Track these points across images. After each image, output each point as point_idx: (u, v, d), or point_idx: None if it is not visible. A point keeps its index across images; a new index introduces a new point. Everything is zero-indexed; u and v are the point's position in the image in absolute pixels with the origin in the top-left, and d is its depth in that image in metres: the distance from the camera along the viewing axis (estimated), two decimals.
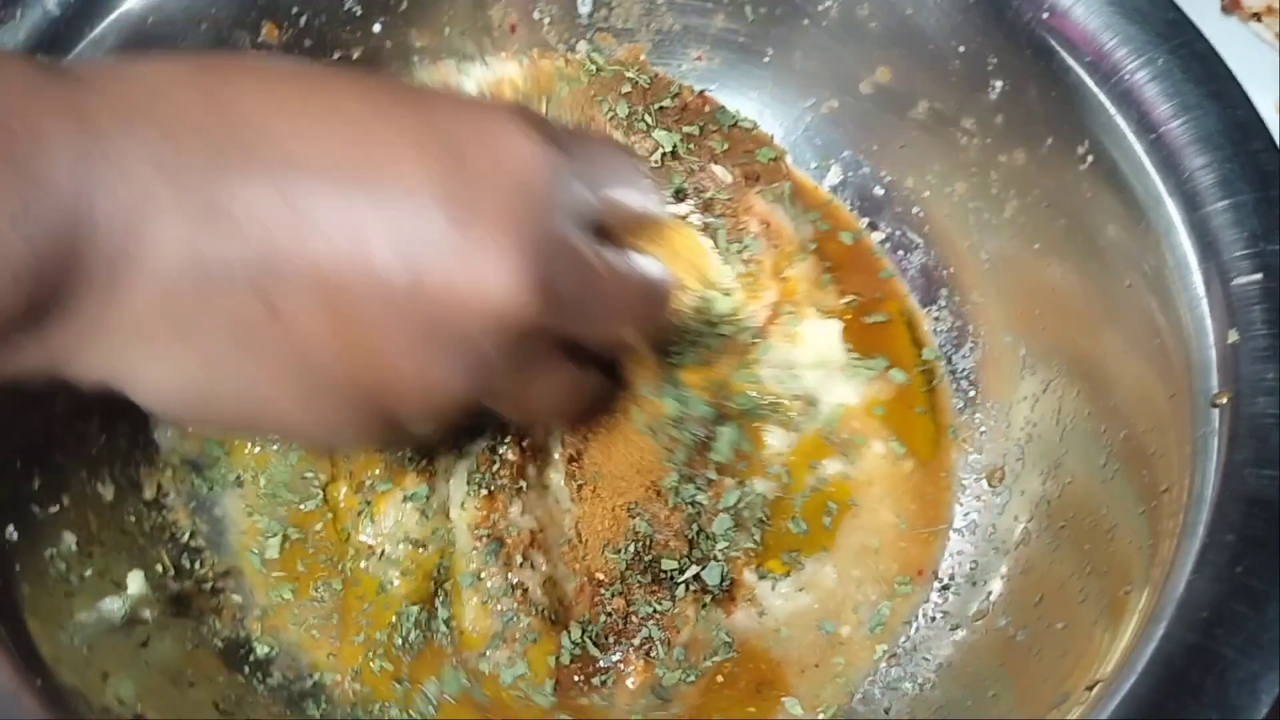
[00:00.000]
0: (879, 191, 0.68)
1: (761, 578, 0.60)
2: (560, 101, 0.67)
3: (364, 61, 0.66)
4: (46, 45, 0.54)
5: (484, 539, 0.57)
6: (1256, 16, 0.76)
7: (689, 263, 0.59)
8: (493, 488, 0.57)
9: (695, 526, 0.57)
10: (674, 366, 0.57)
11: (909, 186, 0.67)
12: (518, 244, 0.39)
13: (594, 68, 0.68)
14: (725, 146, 0.68)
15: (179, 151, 0.36)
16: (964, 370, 0.65)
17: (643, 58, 0.70)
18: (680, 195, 0.66)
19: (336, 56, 0.65)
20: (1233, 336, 0.49)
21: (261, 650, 0.58)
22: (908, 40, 0.63)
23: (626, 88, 0.67)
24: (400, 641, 0.58)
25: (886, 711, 0.56)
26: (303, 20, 0.63)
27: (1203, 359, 0.50)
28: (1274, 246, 0.49)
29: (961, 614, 0.58)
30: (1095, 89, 0.55)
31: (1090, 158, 0.56)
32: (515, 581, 0.57)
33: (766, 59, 0.68)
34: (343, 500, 0.61)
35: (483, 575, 0.58)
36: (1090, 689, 0.45)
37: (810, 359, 0.63)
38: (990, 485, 0.61)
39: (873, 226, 0.68)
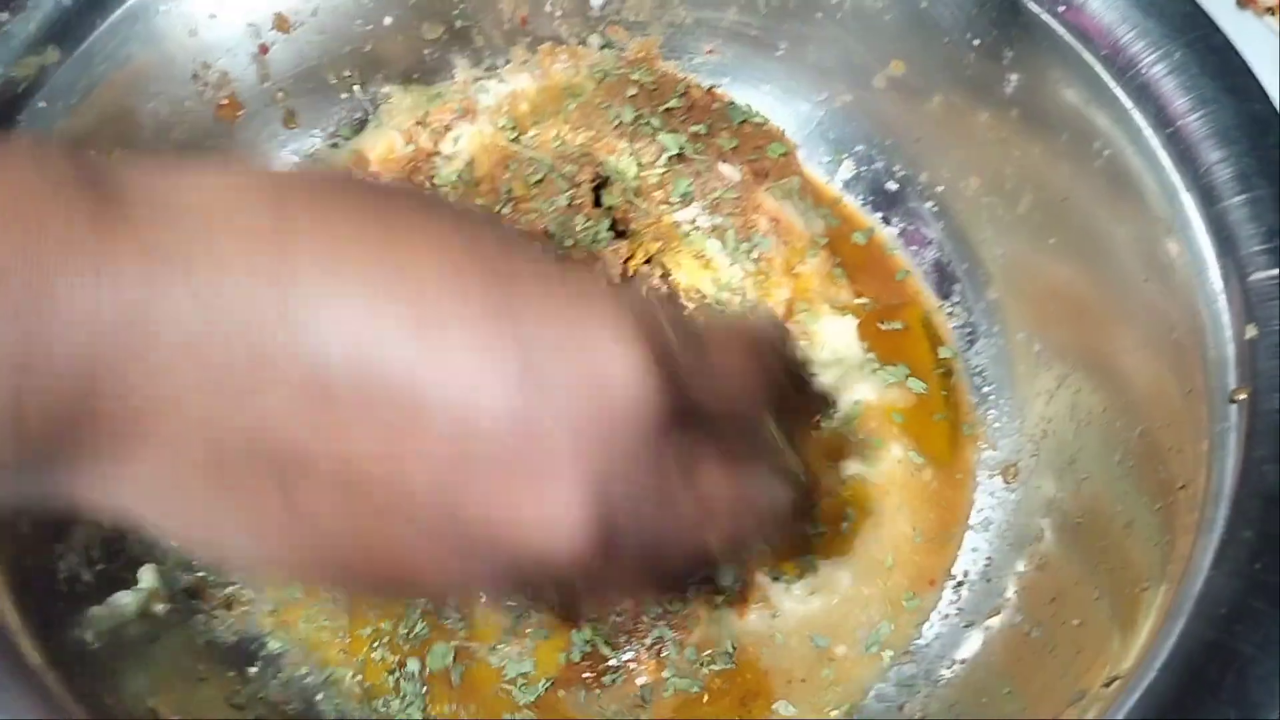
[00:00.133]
0: (892, 186, 0.68)
1: (775, 579, 0.59)
2: (569, 116, 0.67)
3: (374, 55, 0.66)
4: (58, 36, 0.54)
5: None
6: (1271, 10, 0.76)
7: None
8: None
9: None
10: None
11: (923, 181, 0.66)
12: (583, 491, 0.33)
13: (601, 73, 0.68)
14: (734, 144, 0.68)
15: (219, 316, 0.31)
16: (978, 366, 0.64)
17: (655, 51, 0.69)
18: (687, 199, 0.66)
19: (347, 49, 0.65)
20: (1251, 332, 0.48)
21: (273, 646, 0.57)
22: (922, 33, 0.62)
23: (632, 91, 0.67)
24: (406, 632, 0.57)
25: (900, 709, 0.56)
26: (312, 10, 0.63)
27: (1220, 354, 0.49)
28: None
29: (976, 611, 0.58)
30: (1111, 83, 0.55)
31: (1106, 152, 0.55)
32: None
33: (779, 52, 0.68)
34: None
35: None
36: (1108, 685, 0.44)
37: (826, 356, 0.63)
38: (1005, 482, 0.61)
39: (885, 222, 0.68)
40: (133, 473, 0.32)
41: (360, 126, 0.67)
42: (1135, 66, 0.54)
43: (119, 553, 0.54)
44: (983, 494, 0.62)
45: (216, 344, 0.31)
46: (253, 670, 0.56)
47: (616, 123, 0.66)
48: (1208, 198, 0.51)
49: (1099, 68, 0.55)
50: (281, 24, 0.62)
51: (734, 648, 0.58)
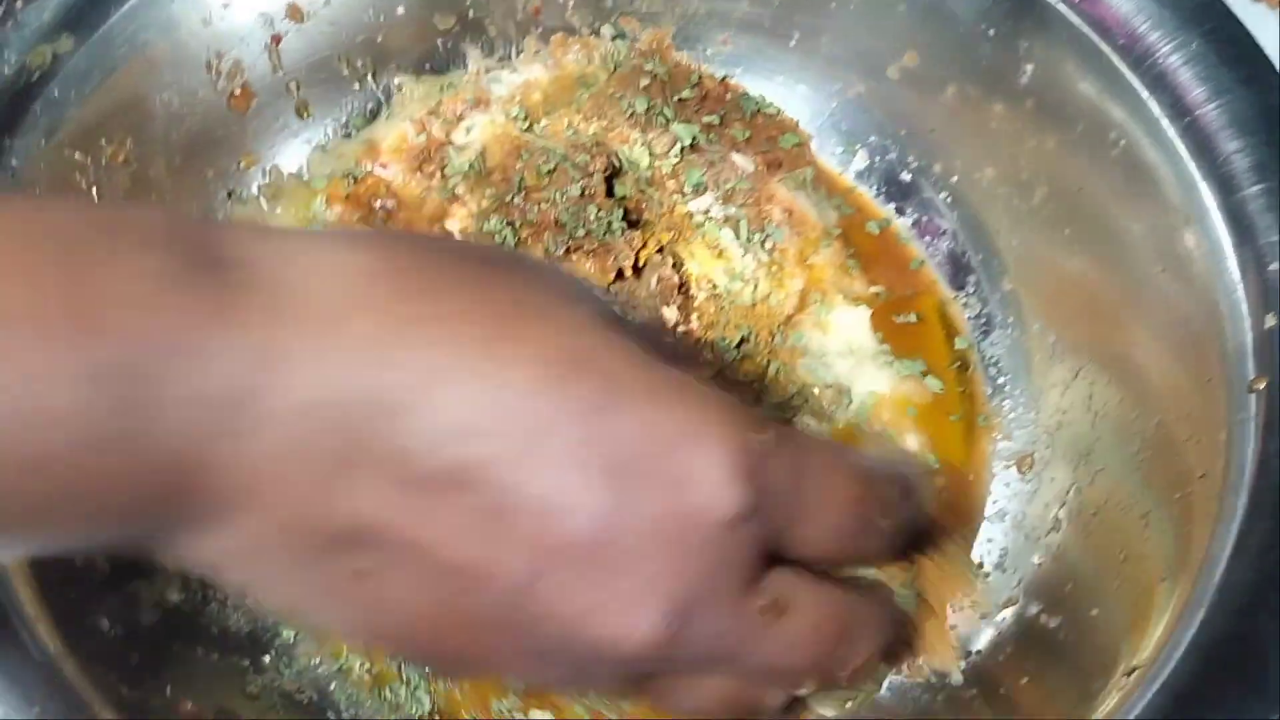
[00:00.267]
0: (906, 177, 0.68)
1: None
2: (582, 105, 0.67)
3: (387, 45, 0.66)
4: (72, 24, 0.54)
5: None
6: None
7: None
8: None
9: None
10: None
11: (937, 172, 0.66)
12: (657, 598, 0.34)
13: (613, 64, 0.68)
14: (747, 135, 0.68)
15: (324, 398, 0.32)
16: (992, 357, 0.64)
17: (668, 42, 0.69)
18: (699, 189, 0.65)
19: (359, 39, 0.65)
20: (1270, 321, 0.48)
21: (286, 635, 0.57)
22: (936, 24, 0.62)
23: (645, 81, 0.67)
24: None
25: (916, 701, 0.56)
26: (325, 0, 0.63)
27: (1238, 344, 0.49)
28: None
29: (991, 602, 0.58)
30: (1128, 73, 0.54)
31: (1123, 142, 0.55)
32: None
33: (792, 43, 0.67)
34: None
35: None
36: (1128, 675, 0.44)
37: (840, 346, 0.63)
38: (1020, 472, 0.61)
39: (899, 213, 0.68)
40: (223, 542, 0.33)
41: (373, 117, 0.67)
42: (1152, 56, 0.54)
43: None
44: (998, 485, 0.61)
45: (320, 426, 0.32)
46: (266, 659, 0.56)
47: (629, 113, 0.66)
48: (1225, 187, 0.51)
49: (1115, 57, 0.55)
50: (294, 14, 0.62)
51: None
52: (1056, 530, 0.57)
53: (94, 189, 0.57)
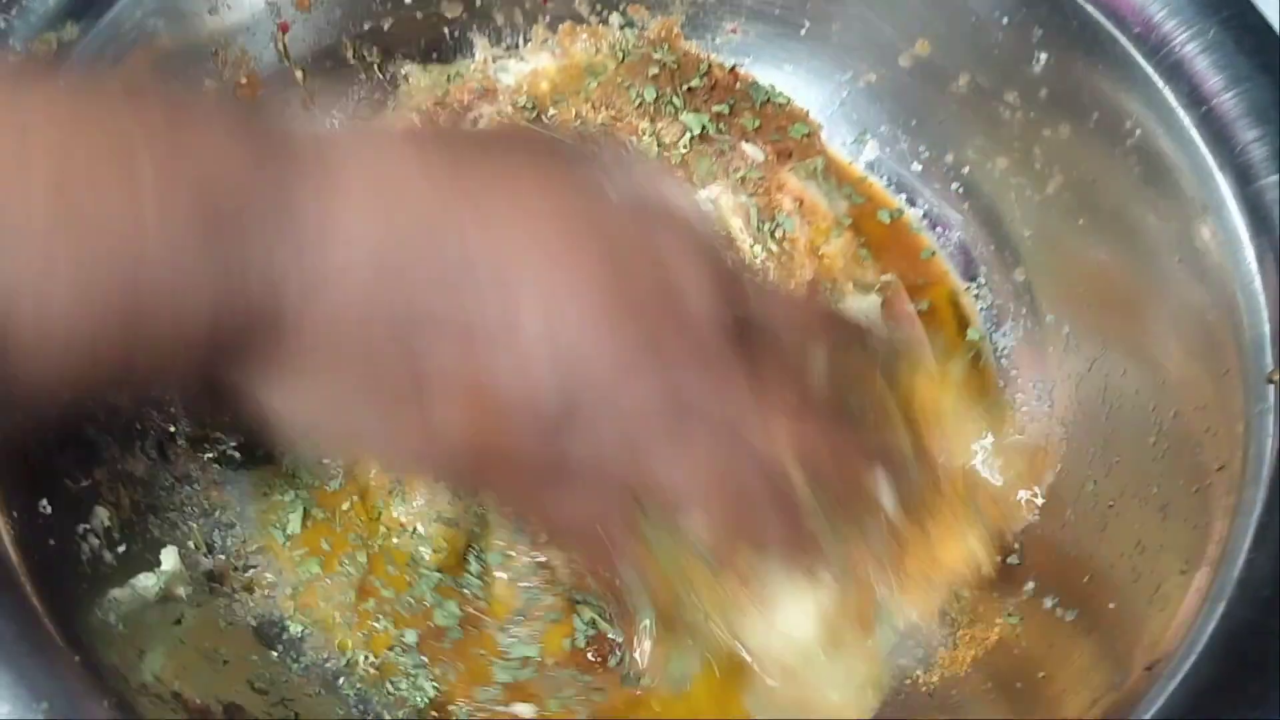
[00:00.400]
0: (917, 167, 0.67)
1: None
2: (590, 95, 0.66)
3: (394, 34, 0.65)
4: (77, 11, 0.54)
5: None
6: None
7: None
8: None
9: None
10: None
11: (948, 162, 0.66)
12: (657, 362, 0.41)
13: (621, 54, 0.67)
14: (757, 124, 0.67)
15: (387, 233, 0.39)
16: (1005, 349, 0.64)
17: (676, 30, 0.69)
18: (709, 179, 0.65)
19: (366, 27, 0.65)
20: None
21: (295, 629, 0.57)
22: (949, 12, 0.62)
23: (654, 70, 0.66)
24: (411, 602, 0.57)
25: (930, 695, 0.55)
26: None
27: (1256, 335, 0.49)
28: None
29: (1008, 595, 0.57)
30: (1143, 62, 0.54)
31: (1138, 131, 0.55)
32: (542, 560, 0.58)
33: (803, 31, 0.67)
34: (373, 478, 0.60)
35: (511, 554, 0.58)
36: (1149, 668, 0.44)
37: None
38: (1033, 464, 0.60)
39: (910, 202, 0.68)
40: (295, 369, 0.39)
41: (379, 106, 0.67)
42: (1168, 44, 0.53)
43: (140, 535, 0.54)
44: None
45: (384, 256, 0.38)
46: (274, 654, 0.56)
47: (638, 102, 0.66)
48: (1242, 177, 0.51)
49: (1130, 46, 0.54)
50: (301, 2, 0.62)
51: None
52: (1072, 524, 0.57)
53: None
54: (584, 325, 0.40)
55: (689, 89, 0.67)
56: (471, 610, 0.58)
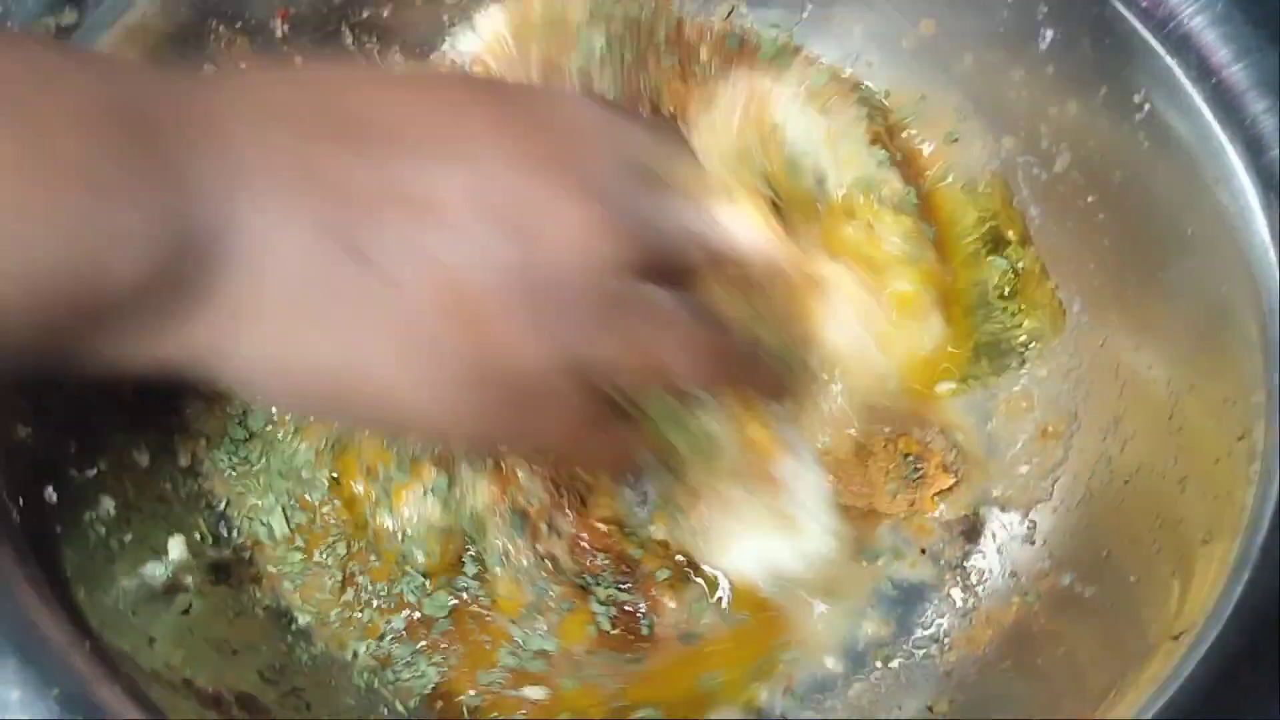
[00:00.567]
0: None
1: None
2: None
3: (392, 21, 0.65)
4: None
5: (505, 515, 0.56)
6: None
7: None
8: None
9: None
10: None
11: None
12: (593, 191, 0.43)
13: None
14: None
15: (301, 142, 0.40)
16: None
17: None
18: None
19: (365, 15, 0.64)
20: None
21: (303, 620, 0.56)
22: None
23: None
24: (392, 594, 0.57)
25: (948, 675, 0.55)
26: None
27: (1270, 305, 0.49)
28: None
29: (1023, 574, 0.57)
30: (1150, 36, 0.54)
31: (1146, 106, 0.54)
32: (544, 553, 0.57)
33: (805, 14, 0.66)
34: (359, 489, 0.59)
35: (511, 554, 0.57)
36: (1175, 639, 0.44)
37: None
38: (1045, 441, 0.60)
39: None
40: (255, 302, 0.38)
41: None
42: (1176, 18, 0.53)
43: (146, 525, 0.53)
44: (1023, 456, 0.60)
45: (308, 159, 0.39)
46: (282, 645, 0.55)
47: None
48: (1253, 148, 0.51)
49: (1136, 21, 0.54)
50: None
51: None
52: (1087, 501, 0.56)
53: None
54: (511, 184, 0.42)
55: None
56: (476, 609, 0.57)
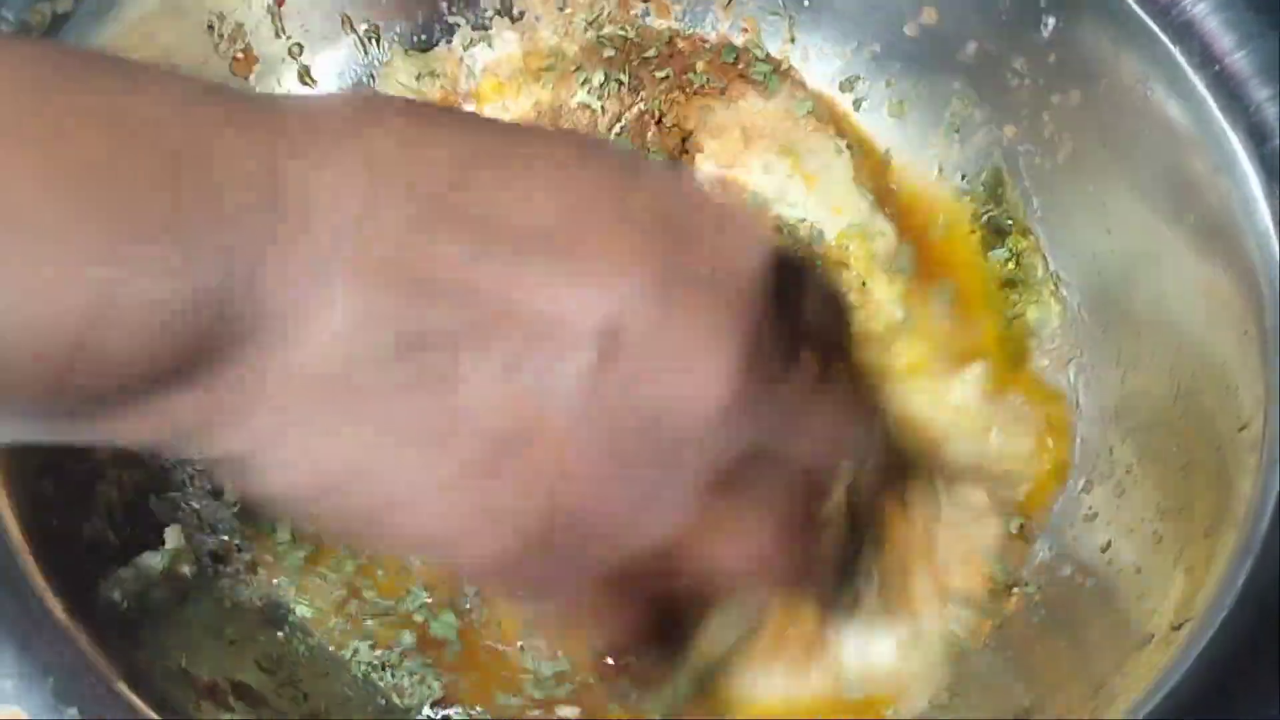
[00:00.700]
0: None
1: None
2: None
3: (389, 12, 0.65)
4: None
5: None
6: None
7: None
8: None
9: None
10: None
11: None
12: (733, 343, 0.34)
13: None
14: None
15: (368, 208, 0.31)
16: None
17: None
18: None
19: (362, 6, 0.64)
20: None
21: (301, 611, 0.56)
22: None
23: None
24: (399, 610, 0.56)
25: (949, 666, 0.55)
26: None
27: (1273, 294, 0.48)
28: None
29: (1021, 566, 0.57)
30: (1152, 23, 0.53)
31: (1149, 94, 0.54)
32: None
33: (807, 2, 0.66)
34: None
35: None
36: (1177, 629, 0.43)
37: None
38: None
39: None
40: (280, 381, 0.31)
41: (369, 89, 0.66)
42: (1177, 5, 0.53)
43: (143, 515, 0.53)
44: None
45: (375, 228, 0.31)
46: (280, 635, 0.55)
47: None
48: (1256, 136, 0.50)
49: (1139, 8, 0.54)
50: None
51: None
52: (1087, 491, 0.56)
53: None
54: (649, 316, 0.32)
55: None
56: (489, 643, 0.56)
